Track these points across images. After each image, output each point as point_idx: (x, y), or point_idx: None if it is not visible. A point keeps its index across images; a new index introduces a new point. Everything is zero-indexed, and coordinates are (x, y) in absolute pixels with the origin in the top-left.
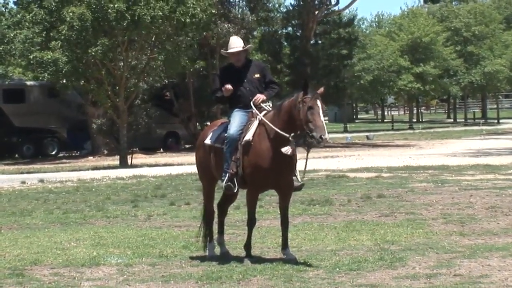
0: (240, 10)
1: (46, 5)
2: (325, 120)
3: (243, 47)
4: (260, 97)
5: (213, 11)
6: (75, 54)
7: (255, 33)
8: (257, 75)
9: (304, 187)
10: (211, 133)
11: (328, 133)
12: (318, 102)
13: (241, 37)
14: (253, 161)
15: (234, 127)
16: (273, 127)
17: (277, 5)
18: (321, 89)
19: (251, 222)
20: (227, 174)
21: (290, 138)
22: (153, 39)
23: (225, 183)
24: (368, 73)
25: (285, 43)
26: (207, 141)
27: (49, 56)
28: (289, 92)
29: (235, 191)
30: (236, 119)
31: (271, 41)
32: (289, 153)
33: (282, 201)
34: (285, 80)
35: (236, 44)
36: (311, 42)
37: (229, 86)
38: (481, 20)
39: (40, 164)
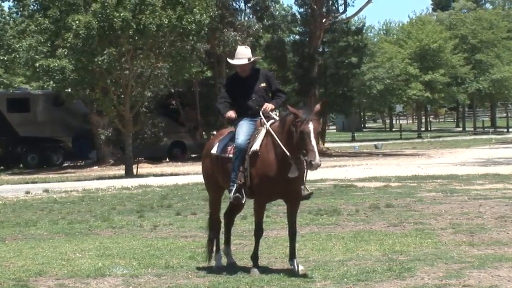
0: (247, 18)
1: (51, 14)
2: (321, 140)
3: (249, 59)
4: (268, 106)
5: (215, 11)
6: (80, 62)
7: (261, 41)
8: (263, 84)
9: (312, 196)
10: (218, 143)
11: (320, 155)
12: (310, 125)
13: (249, 46)
14: (260, 171)
15: (241, 136)
16: (279, 141)
17: (283, 13)
18: (317, 106)
19: (258, 232)
20: (235, 185)
21: (290, 159)
22: (157, 47)
23: (233, 194)
24: (378, 82)
25: (292, 51)
26: (214, 151)
27: (56, 64)
28: (296, 101)
29: (243, 201)
30: (243, 128)
31: (278, 49)
32: (296, 175)
33: (289, 211)
34: (291, 88)
35: (242, 55)
36: (319, 50)
37: (232, 114)
38: (488, 27)
39: (44, 174)
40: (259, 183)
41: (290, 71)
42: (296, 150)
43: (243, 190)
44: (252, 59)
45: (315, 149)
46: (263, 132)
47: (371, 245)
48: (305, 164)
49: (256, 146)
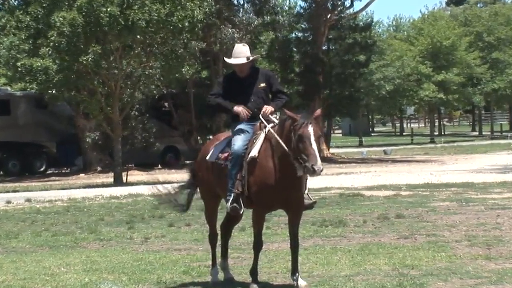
0: (246, 14)
1: (32, 11)
2: (321, 146)
3: (248, 58)
4: (268, 108)
5: (211, 6)
6: (65, 62)
7: (262, 38)
8: (262, 84)
9: (316, 206)
10: (213, 149)
11: (321, 162)
12: (309, 128)
13: (247, 43)
14: (259, 179)
15: (238, 142)
16: (281, 143)
17: (285, 8)
18: (318, 111)
19: (257, 245)
20: (232, 194)
21: (293, 159)
22: (148, 44)
23: (230, 204)
24: (387, 82)
25: (295, 49)
26: (209, 157)
27: (39, 64)
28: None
29: (241, 212)
30: (241, 133)
31: (280, 47)
32: (301, 174)
33: (291, 222)
34: (294, 90)
35: (240, 53)
36: (323, 48)
37: (244, 110)
38: (505, 24)
39: (27, 182)
40: (258, 191)
41: (294, 73)
42: (296, 156)
43: (241, 200)
44: (251, 58)
45: (316, 153)
46: (262, 136)
47: (380, 259)
48: (305, 170)
49: (254, 152)
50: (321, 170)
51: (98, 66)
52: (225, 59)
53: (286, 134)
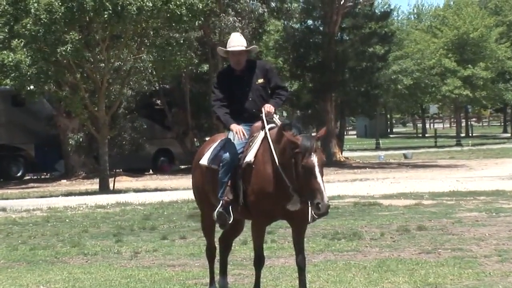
0: (249, 0)
1: None
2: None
3: (246, 47)
4: (271, 109)
5: None
6: (41, 54)
7: (267, 27)
8: (260, 80)
9: (325, 216)
10: (208, 151)
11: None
12: (313, 158)
13: (250, 33)
14: (256, 187)
15: (232, 146)
16: (277, 161)
17: None
18: (322, 131)
19: (258, 260)
20: (221, 201)
21: (290, 190)
22: (139, 35)
23: (217, 211)
24: (406, 75)
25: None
26: (203, 161)
27: (10, 59)
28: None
29: (229, 222)
30: (235, 135)
31: (288, 38)
32: (297, 208)
33: (295, 234)
34: (306, 87)
35: (237, 42)
36: (336, 38)
37: (239, 130)
38: None
39: (2, 189)
40: (256, 201)
41: (304, 67)
42: (299, 186)
43: (230, 208)
44: (248, 48)
45: (322, 188)
46: (259, 138)
47: (399, 276)
48: (310, 205)
49: (250, 157)
50: (327, 207)
51: (80, 58)
52: (219, 48)
53: (287, 160)
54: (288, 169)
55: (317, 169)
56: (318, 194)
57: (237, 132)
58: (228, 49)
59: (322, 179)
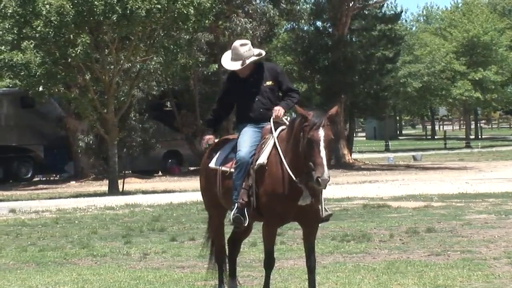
0: (261, 1)
1: None
2: (329, 157)
3: (243, 63)
4: (281, 111)
5: None
6: (51, 55)
7: (277, 29)
8: (269, 83)
9: (336, 218)
10: (217, 154)
11: (328, 173)
12: (320, 132)
13: (260, 36)
14: (269, 188)
15: (244, 147)
16: (284, 160)
17: None
18: (333, 110)
19: (269, 262)
20: (236, 204)
21: (297, 182)
22: (148, 36)
23: (233, 215)
24: (415, 79)
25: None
26: (212, 163)
27: (19, 58)
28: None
29: (245, 224)
30: (247, 137)
31: (298, 40)
32: (308, 202)
33: (306, 236)
34: (315, 88)
35: (237, 56)
36: (345, 40)
37: (210, 140)
38: None
39: (11, 190)
40: (268, 202)
41: (313, 69)
42: (303, 162)
43: (245, 211)
44: (247, 62)
45: (324, 162)
46: (271, 141)
47: (409, 279)
48: (309, 179)
49: (262, 158)
50: (327, 182)
51: (88, 60)
52: (222, 60)
53: (296, 133)
54: (296, 154)
55: (322, 144)
56: (319, 168)
57: (206, 140)
58: (225, 66)
59: (326, 156)
